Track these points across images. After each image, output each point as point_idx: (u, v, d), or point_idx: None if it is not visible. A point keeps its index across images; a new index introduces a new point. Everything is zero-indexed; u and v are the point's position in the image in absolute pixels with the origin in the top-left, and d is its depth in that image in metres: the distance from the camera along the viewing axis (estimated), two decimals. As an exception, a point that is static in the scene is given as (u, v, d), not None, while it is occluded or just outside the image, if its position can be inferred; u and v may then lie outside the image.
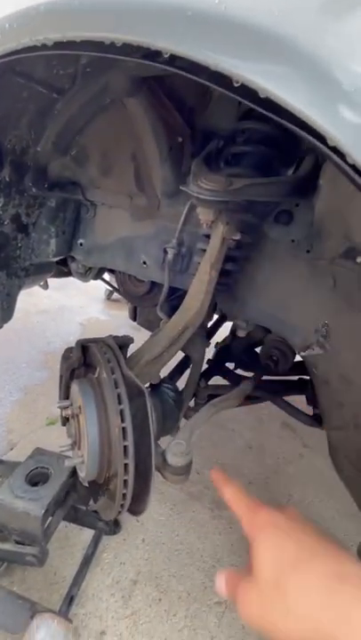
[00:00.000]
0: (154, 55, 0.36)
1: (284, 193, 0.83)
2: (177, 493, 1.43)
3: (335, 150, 0.31)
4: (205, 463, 1.62)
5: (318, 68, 0.31)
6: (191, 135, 0.97)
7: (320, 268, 0.91)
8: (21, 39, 0.41)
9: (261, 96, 0.31)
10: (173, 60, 0.36)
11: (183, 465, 0.76)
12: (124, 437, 0.72)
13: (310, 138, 0.33)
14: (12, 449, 1.49)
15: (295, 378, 1.40)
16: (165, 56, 0.34)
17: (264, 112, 0.34)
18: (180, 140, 0.94)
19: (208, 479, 1.54)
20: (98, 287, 3.37)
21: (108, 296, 3.41)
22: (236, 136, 0.90)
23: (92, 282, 1.84)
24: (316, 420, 1.17)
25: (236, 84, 0.32)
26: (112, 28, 0.36)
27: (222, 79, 0.33)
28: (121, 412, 0.74)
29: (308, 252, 0.93)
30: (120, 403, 0.74)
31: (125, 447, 0.72)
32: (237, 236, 0.87)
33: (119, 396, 0.75)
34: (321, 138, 0.31)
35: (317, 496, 1.58)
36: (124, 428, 0.73)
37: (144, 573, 1.12)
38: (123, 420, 0.73)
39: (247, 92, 0.32)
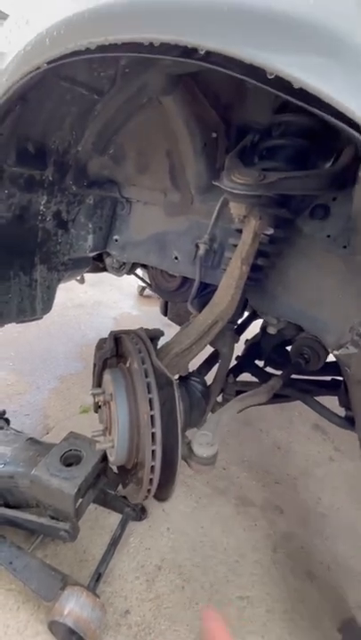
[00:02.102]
0: (190, 52, 0.37)
1: (321, 186, 0.81)
2: (203, 487, 1.44)
3: None
4: (232, 460, 1.62)
5: (354, 57, 0.31)
6: (226, 131, 0.97)
7: (357, 264, 0.88)
8: (68, 44, 0.44)
9: (295, 87, 0.31)
10: (208, 55, 0.37)
11: (209, 455, 0.77)
12: (153, 424, 0.75)
13: (347, 128, 0.32)
14: (47, 433, 1.59)
15: (328, 378, 1.36)
16: (201, 52, 0.35)
17: (299, 103, 0.34)
18: (214, 135, 0.95)
19: (234, 475, 1.54)
20: (131, 284, 3.47)
21: (141, 292, 3.48)
22: (271, 130, 0.89)
23: (126, 279, 1.90)
24: (349, 422, 1.13)
25: (270, 77, 0.33)
26: (150, 29, 0.38)
27: (256, 72, 0.34)
28: (150, 401, 0.76)
29: (344, 247, 0.90)
30: (149, 391, 0.77)
31: (153, 434, 0.75)
32: (270, 231, 0.87)
33: (149, 385, 0.78)
34: (357, 127, 0.31)
35: (348, 501, 1.52)
36: (152, 416, 0.75)
37: (168, 560, 1.15)
38: (151, 408, 0.76)
39: (282, 84, 0.33)
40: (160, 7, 0.37)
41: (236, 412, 0.94)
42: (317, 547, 1.31)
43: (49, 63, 0.49)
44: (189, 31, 0.35)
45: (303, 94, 0.32)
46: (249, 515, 1.37)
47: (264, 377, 1.36)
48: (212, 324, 0.91)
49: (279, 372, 1.25)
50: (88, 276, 1.79)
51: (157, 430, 0.75)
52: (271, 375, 1.25)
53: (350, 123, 0.31)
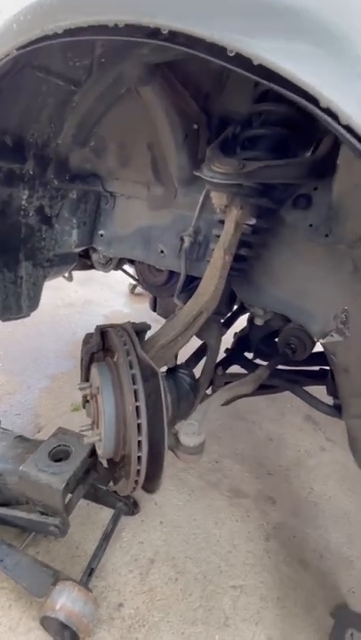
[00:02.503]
0: (155, 33, 0.37)
1: (301, 174, 0.82)
2: (195, 480, 1.45)
3: (348, 129, 0.31)
4: (224, 453, 1.63)
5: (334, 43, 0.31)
6: (207, 122, 0.97)
7: (339, 253, 0.89)
8: (35, 30, 0.44)
9: (255, 63, 0.31)
10: (173, 36, 0.37)
11: (195, 445, 0.78)
12: (138, 416, 0.75)
13: (320, 113, 0.32)
14: (39, 431, 1.58)
15: (316, 368, 1.37)
16: (164, 33, 0.35)
17: (262, 81, 0.34)
18: (195, 126, 0.95)
19: (226, 468, 1.55)
20: (121, 282, 3.45)
21: (132, 290, 3.47)
22: (252, 120, 0.90)
23: (116, 277, 1.90)
24: (337, 410, 1.14)
25: (230, 54, 0.33)
26: (113, 10, 0.38)
27: (218, 50, 0.34)
28: (135, 392, 0.76)
29: (326, 236, 0.91)
30: (134, 383, 0.77)
31: (139, 425, 0.75)
32: (252, 221, 0.87)
33: (134, 377, 0.78)
34: (333, 115, 0.31)
35: (340, 490, 1.54)
36: (137, 407, 0.75)
37: (161, 553, 1.15)
38: (137, 400, 0.76)
39: (244, 62, 0.33)
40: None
41: (224, 401, 0.94)
42: (310, 535, 1.32)
43: (18, 49, 0.48)
44: (151, 12, 0.35)
45: (264, 72, 0.32)
46: (242, 506, 1.37)
47: (253, 369, 1.37)
48: (197, 315, 0.91)
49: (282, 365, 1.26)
50: (78, 275, 1.78)
51: (143, 421, 0.75)
52: (260, 366, 1.26)
53: (315, 101, 0.32)
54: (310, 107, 0.31)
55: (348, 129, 0.30)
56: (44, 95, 0.77)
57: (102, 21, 0.39)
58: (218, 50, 0.33)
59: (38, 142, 0.90)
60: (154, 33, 0.37)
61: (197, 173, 0.79)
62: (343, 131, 0.30)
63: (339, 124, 0.30)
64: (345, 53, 0.30)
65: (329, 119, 0.31)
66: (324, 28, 0.30)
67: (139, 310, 3.14)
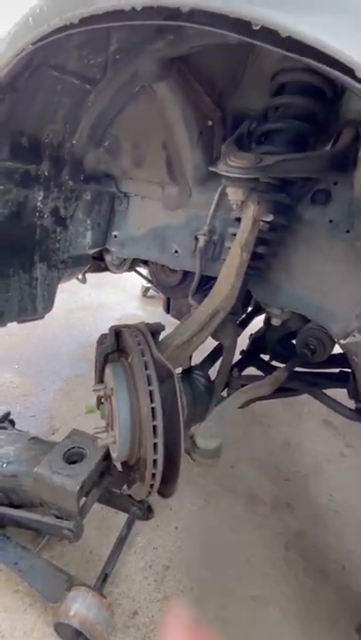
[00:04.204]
0: (174, 15, 0.36)
1: (320, 168, 0.79)
2: (211, 486, 1.41)
3: None
4: (240, 458, 1.59)
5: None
6: (222, 118, 0.95)
7: (361, 250, 0.86)
8: (51, 21, 0.43)
9: (283, 36, 0.29)
10: (192, 15, 0.35)
11: (212, 448, 0.75)
12: (154, 417, 0.73)
13: (342, 76, 0.30)
14: (53, 433, 1.58)
15: (336, 370, 1.32)
16: (184, 11, 0.34)
17: (290, 54, 0.32)
18: (210, 123, 0.94)
19: (243, 473, 1.51)
20: (134, 285, 3.46)
21: (144, 293, 3.48)
22: (268, 115, 0.88)
23: (130, 280, 1.90)
24: (359, 414, 1.10)
25: (255, 27, 0.31)
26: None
27: (243, 26, 0.32)
28: (150, 393, 0.74)
29: (347, 232, 0.87)
30: (150, 384, 0.75)
31: (155, 427, 0.73)
32: (269, 218, 0.85)
33: (149, 378, 0.76)
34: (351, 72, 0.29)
35: (361, 498, 1.48)
36: (153, 409, 0.73)
37: (176, 560, 1.12)
38: (152, 401, 0.74)
39: (269, 36, 0.31)
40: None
41: (240, 403, 0.91)
42: (331, 545, 1.27)
43: (34, 44, 0.48)
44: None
45: (293, 45, 0.30)
46: (259, 513, 1.33)
47: (270, 370, 1.33)
48: (213, 315, 0.89)
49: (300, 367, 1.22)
50: (92, 278, 1.78)
51: (159, 423, 0.73)
52: (277, 368, 1.22)
53: (345, 70, 0.29)
54: (346, 79, 0.29)
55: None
56: (60, 95, 0.77)
57: (118, 7, 0.37)
58: (242, 26, 0.32)
59: (54, 143, 0.90)
60: (174, 14, 0.36)
61: (213, 169, 0.78)
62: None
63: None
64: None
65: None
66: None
67: (152, 313, 3.14)
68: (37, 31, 0.46)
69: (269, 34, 0.30)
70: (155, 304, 3.28)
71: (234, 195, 0.80)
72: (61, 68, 0.70)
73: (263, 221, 0.84)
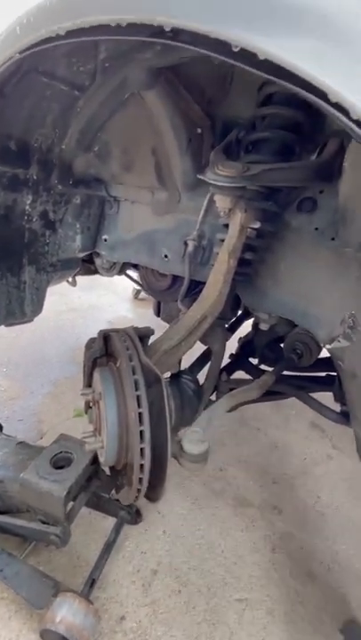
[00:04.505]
0: (158, 32, 0.37)
1: (306, 177, 0.81)
2: (199, 489, 1.42)
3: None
4: (228, 460, 1.60)
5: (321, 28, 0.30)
6: (211, 126, 0.97)
7: (346, 257, 0.88)
8: (38, 32, 0.44)
9: (260, 58, 0.30)
10: (177, 34, 0.36)
11: (199, 452, 0.76)
12: (141, 422, 0.73)
13: (330, 109, 0.31)
14: (41, 438, 1.56)
15: (322, 374, 1.35)
16: (167, 30, 0.35)
17: (266, 76, 0.33)
18: (199, 131, 0.95)
19: (231, 476, 1.52)
20: (126, 287, 3.45)
21: (136, 295, 3.47)
22: (256, 124, 0.89)
23: (121, 282, 1.90)
24: (344, 417, 1.12)
25: (235, 49, 0.32)
26: (114, 10, 0.37)
27: (223, 46, 0.33)
28: (138, 398, 0.75)
29: (332, 239, 0.90)
30: (137, 389, 0.76)
31: (142, 432, 0.73)
32: (257, 225, 0.86)
33: (136, 383, 0.76)
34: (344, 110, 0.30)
35: (347, 499, 1.50)
36: (140, 414, 0.74)
37: (164, 564, 1.13)
38: (139, 406, 0.74)
39: (249, 58, 0.32)
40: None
41: (229, 408, 0.92)
42: (317, 546, 1.29)
43: (21, 52, 0.48)
44: (153, 9, 0.35)
45: (269, 67, 0.31)
46: (247, 515, 1.34)
47: (258, 374, 1.35)
48: (202, 320, 0.90)
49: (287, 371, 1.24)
50: (82, 281, 1.77)
51: (146, 428, 0.73)
52: (265, 372, 1.24)
53: (324, 96, 0.30)
54: (319, 102, 0.30)
55: (359, 124, 0.29)
56: (49, 100, 0.78)
57: (104, 21, 0.38)
58: (222, 46, 0.33)
59: (42, 147, 0.90)
60: (157, 32, 0.36)
61: (201, 177, 0.79)
62: (354, 125, 0.29)
63: (350, 119, 0.29)
64: (352, 48, 0.29)
65: (339, 114, 0.30)
66: (329, 23, 0.29)
67: (142, 315, 3.13)
68: (24, 41, 0.46)
69: (249, 56, 0.31)
70: (146, 306, 3.27)
71: (221, 202, 0.81)
72: (50, 75, 0.70)
73: (251, 228, 0.86)
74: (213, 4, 0.32)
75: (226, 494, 1.42)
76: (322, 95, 0.29)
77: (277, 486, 1.51)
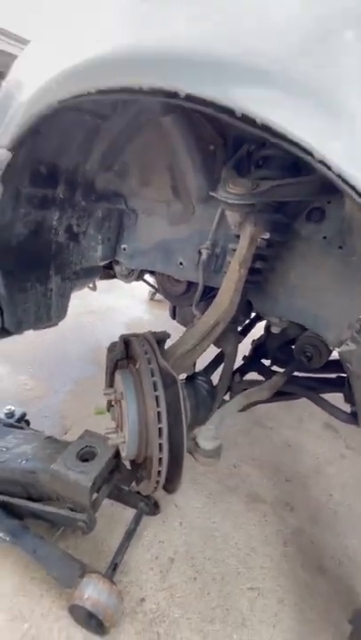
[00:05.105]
0: (173, 95, 0.44)
1: (313, 192, 0.86)
2: (214, 485, 1.49)
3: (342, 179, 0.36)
4: (242, 458, 1.66)
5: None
6: (223, 143, 1.03)
7: (353, 264, 0.92)
8: (72, 89, 0.52)
9: (258, 123, 0.37)
10: (189, 98, 0.43)
11: (212, 448, 0.83)
12: (159, 420, 0.81)
13: (317, 164, 0.37)
14: (65, 433, 1.67)
15: (333, 375, 1.38)
16: (182, 96, 0.42)
17: (264, 135, 0.40)
18: (211, 148, 1.01)
19: (244, 473, 1.58)
20: (142, 289, 3.55)
21: (152, 297, 3.57)
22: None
23: (137, 285, 1.98)
24: (354, 418, 1.16)
25: (238, 115, 0.38)
26: (140, 76, 0.44)
27: (229, 113, 0.39)
28: (156, 398, 0.82)
29: (340, 247, 0.94)
30: (155, 390, 0.83)
31: (160, 429, 0.81)
32: (266, 236, 0.92)
33: (155, 384, 0.84)
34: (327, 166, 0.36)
35: (359, 497, 1.53)
36: (159, 412, 0.81)
37: (181, 553, 1.20)
38: (158, 405, 0.82)
39: (249, 120, 0.38)
40: (143, 58, 0.44)
41: (240, 407, 0.99)
42: (328, 542, 1.33)
43: (59, 102, 0.56)
44: (170, 77, 0.42)
45: (265, 127, 0.38)
46: (259, 511, 1.40)
47: (270, 375, 1.40)
48: (215, 325, 0.97)
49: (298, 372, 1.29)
50: (101, 284, 1.87)
51: (164, 425, 0.81)
52: (277, 373, 1.29)
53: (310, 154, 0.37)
54: (308, 158, 0.36)
55: (342, 178, 0.35)
56: (76, 129, 0.86)
57: (128, 85, 0.46)
58: (228, 110, 0.39)
59: (69, 169, 0.99)
60: (172, 95, 0.43)
61: (213, 194, 0.85)
62: (336, 179, 0.35)
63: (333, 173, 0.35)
64: (335, 110, 0.34)
65: (324, 168, 0.36)
66: (320, 91, 0.35)
67: (158, 316, 3.22)
68: (61, 94, 0.54)
69: (250, 120, 0.38)
70: (161, 307, 3.36)
71: (232, 217, 0.87)
72: (78, 109, 0.78)
73: (261, 239, 0.92)
74: (218, 74, 0.38)
75: (239, 490, 1.48)
76: (309, 154, 0.35)
77: (290, 484, 1.56)
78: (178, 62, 0.41)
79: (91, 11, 0.68)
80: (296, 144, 0.36)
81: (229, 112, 0.39)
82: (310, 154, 0.35)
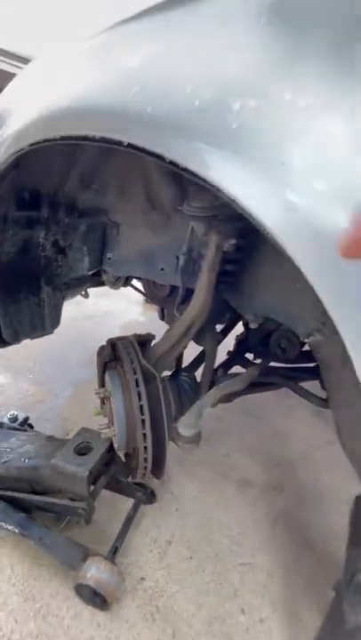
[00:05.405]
0: (118, 143, 0.54)
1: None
2: (207, 473, 1.59)
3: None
4: (234, 447, 1.76)
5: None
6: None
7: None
8: (39, 136, 0.62)
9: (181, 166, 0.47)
10: (130, 146, 0.53)
11: (191, 435, 0.92)
12: (142, 413, 0.91)
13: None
14: (67, 434, 1.77)
15: (312, 364, 1.48)
16: (125, 145, 0.51)
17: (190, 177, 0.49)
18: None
19: (236, 461, 1.68)
20: (137, 293, 3.65)
21: (147, 300, 3.67)
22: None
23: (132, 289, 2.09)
24: (327, 402, 1.25)
25: (167, 161, 0.48)
26: (88, 129, 0.55)
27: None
28: (139, 394, 0.92)
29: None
30: (138, 386, 0.93)
31: (143, 420, 0.91)
32: (232, 242, 1.01)
33: (137, 381, 0.94)
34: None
35: (345, 481, 1.63)
36: (141, 406, 0.91)
37: (177, 536, 1.30)
38: (140, 399, 0.92)
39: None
40: (99, 111, 0.54)
41: (217, 399, 1.08)
42: (315, 521, 1.43)
43: (31, 145, 0.66)
44: (116, 129, 0.52)
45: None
46: (250, 495, 1.50)
47: (254, 368, 1.50)
48: (190, 325, 1.06)
49: (270, 363, 1.39)
50: (98, 289, 1.97)
51: (146, 417, 0.91)
52: (268, 366, 1.39)
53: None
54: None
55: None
56: (54, 157, 0.96)
57: (83, 134, 0.55)
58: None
59: (50, 192, 1.09)
60: (117, 142, 0.53)
61: (180, 208, 0.95)
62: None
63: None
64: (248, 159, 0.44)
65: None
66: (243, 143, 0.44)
67: (153, 318, 3.32)
68: (35, 138, 0.64)
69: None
70: (156, 309, 3.46)
71: (198, 228, 0.97)
72: (55, 139, 0.88)
73: (228, 244, 1.01)
74: (157, 127, 0.48)
75: (231, 477, 1.58)
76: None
77: (279, 469, 1.66)
78: (126, 118, 0.51)
79: (59, 55, 0.78)
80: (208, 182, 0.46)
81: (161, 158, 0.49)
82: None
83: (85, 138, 0.57)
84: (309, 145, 0.38)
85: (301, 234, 0.42)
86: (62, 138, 0.59)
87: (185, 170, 0.49)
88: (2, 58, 5.89)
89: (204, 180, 0.47)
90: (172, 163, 0.50)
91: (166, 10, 0.49)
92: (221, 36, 0.43)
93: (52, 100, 0.63)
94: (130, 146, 0.53)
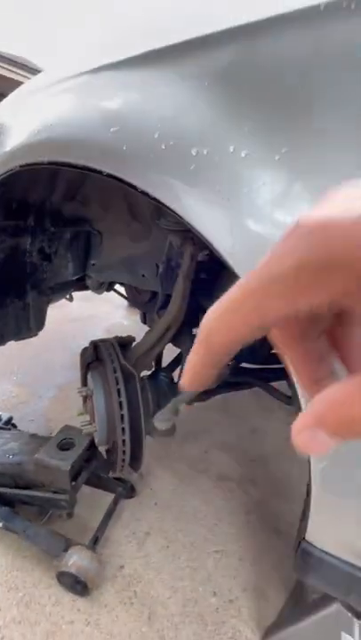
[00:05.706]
0: (93, 170, 0.62)
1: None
2: (186, 469, 1.67)
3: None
4: (213, 445, 1.85)
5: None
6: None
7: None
8: (27, 160, 0.70)
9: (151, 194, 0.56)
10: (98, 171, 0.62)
11: (166, 429, 1.01)
12: (121, 408, 0.99)
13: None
14: (51, 434, 1.82)
15: (282, 365, 1.59)
16: (104, 174, 0.60)
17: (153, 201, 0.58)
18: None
19: (214, 457, 1.77)
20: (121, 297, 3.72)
21: (130, 303, 3.74)
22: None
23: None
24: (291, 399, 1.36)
25: (138, 190, 0.57)
26: (70, 157, 0.63)
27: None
28: (118, 391, 1.00)
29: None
30: (117, 384, 1.01)
31: (122, 416, 0.99)
32: (206, 252, 1.11)
33: (117, 380, 1.02)
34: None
35: (315, 472, 1.74)
36: (120, 402, 0.99)
37: (155, 528, 1.38)
38: (119, 396, 1.00)
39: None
40: (77, 144, 0.63)
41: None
42: (286, 510, 1.53)
43: (21, 166, 0.74)
44: (96, 159, 0.60)
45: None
46: (226, 487, 1.59)
47: (233, 369, 1.60)
48: (167, 329, 1.15)
49: (248, 364, 1.49)
50: (82, 293, 2.04)
51: (125, 413, 0.99)
52: (239, 367, 1.49)
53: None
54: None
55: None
56: (39, 172, 1.03)
57: (65, 162, 0.64)
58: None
59: (36, 202, 1.16)
60: (93, 170, 0.62)
61: (157, 222, 1.04)
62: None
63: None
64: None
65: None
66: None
67: (136, 321, 3.39)
68: (22, 161, 0.72)
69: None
70: (138, 313, 3.53)
71: (174, 239, 1.06)
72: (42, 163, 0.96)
73: (203, 254, 1.11)
74: (114, 154, 0.57)
75: (209, 472, 1.67)
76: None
77: (254, 464, 1.76)
78: (105, 152, 0.60)
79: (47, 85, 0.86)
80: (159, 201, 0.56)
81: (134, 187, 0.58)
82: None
83: (69, 165, 0.65)
84: (248, 187, 0.48)
85: (240, 256, 0.52)
86: (49, 162, 0.67)
87: (154, 199, 0.58)
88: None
89: (168, 208, 0.57)
90: (143, 192, 0.59)
91: (141, 63, 0.58)
92: (181, 94, 0.53)
93: (39, 127, 0.71)
94: (108, 175, 0.61)
